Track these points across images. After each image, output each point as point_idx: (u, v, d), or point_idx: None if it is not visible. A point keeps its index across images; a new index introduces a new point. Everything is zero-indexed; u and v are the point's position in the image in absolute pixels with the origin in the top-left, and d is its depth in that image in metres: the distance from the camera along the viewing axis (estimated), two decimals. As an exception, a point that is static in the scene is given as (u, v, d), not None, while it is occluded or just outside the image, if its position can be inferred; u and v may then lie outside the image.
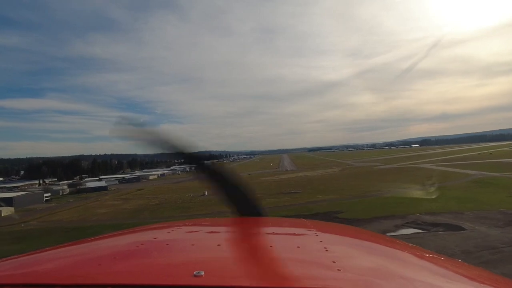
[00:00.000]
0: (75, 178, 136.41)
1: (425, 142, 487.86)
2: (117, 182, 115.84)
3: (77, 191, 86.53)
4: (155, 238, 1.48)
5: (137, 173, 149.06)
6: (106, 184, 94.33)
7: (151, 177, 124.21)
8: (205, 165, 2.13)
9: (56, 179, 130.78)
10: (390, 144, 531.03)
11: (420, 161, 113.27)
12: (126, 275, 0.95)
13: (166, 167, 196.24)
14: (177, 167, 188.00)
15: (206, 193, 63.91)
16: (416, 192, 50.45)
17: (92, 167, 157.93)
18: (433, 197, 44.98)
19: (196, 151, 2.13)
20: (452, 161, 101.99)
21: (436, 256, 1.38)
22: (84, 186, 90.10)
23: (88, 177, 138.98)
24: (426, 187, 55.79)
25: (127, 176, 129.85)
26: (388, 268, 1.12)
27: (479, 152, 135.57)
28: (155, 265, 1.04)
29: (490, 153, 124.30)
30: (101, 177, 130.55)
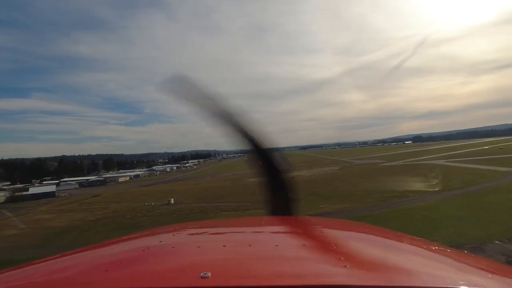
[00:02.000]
0: (33, 181, 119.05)
1: (417, 138, 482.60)
2: (77, 186, 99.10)
3: (12, 199, 69.77)
4: (160, 242, 1.47)
5: (107, 174, 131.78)
6: (54, 190, 77.46)
7: (121, 179, 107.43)
8: (265, 153, 2.03)
9: (9, 183, 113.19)
10: (383, 141, 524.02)
11: (427, 157, 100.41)
12: (133, 280, 0.94)
13: (147, 167, 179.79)
14: (157, 167, 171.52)
15: (172, 201, 48.54)
16: (458, 199, 36.75)
17: (59, 168, 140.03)
18: (491, 206, 31.32)
19: (259, 135, 1.98)
20: (464, 157, 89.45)
21: (443, 248, 1.37)
22: (22, 193, 72.79)
23: (52, 180, 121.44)
24: (462, 189, 42.43)
25: (92, 178, 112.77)
26: (396, 262, 1.11)
27: (487, 147, 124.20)
28: (162, 268, 1.03)
29: (500, 148, 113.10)
30: (62, 180, 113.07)
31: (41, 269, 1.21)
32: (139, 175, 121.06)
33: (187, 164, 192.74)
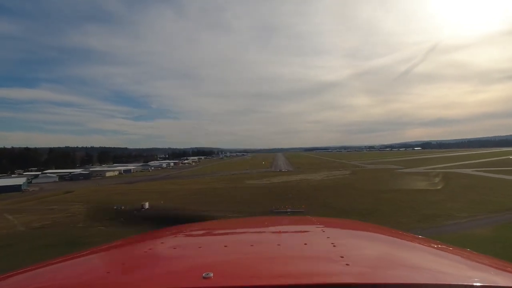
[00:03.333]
0: (16, 171, 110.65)
1: (427, 145, 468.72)
2: (56, 179, 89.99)
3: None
4: (162, 243, 1.50)
5: (97, 168, 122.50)
6: (20, 183, 68.25)
7: (108, 174, 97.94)
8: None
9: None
10: (390, 147, 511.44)
11: (448, 165, 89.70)
12: (135, 281, 0.95)
13: (144, 162, 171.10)
14: (154, 162, 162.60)
15: (146, 206, 38.80)
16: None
17: (48, 159, 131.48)
18: None
19: None
20: (493, 166, 78.62)
21: (445, 246, 1.38)
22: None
23: (38, 171, 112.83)
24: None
25: (76, 171, 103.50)
26: (397, 261, 1.11)
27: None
28: (164, 269, 1.04)
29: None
30: (44, 172, 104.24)
31: (43, 272, 1.20)
32: (130, 170, 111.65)
33: (186, 161, 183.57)
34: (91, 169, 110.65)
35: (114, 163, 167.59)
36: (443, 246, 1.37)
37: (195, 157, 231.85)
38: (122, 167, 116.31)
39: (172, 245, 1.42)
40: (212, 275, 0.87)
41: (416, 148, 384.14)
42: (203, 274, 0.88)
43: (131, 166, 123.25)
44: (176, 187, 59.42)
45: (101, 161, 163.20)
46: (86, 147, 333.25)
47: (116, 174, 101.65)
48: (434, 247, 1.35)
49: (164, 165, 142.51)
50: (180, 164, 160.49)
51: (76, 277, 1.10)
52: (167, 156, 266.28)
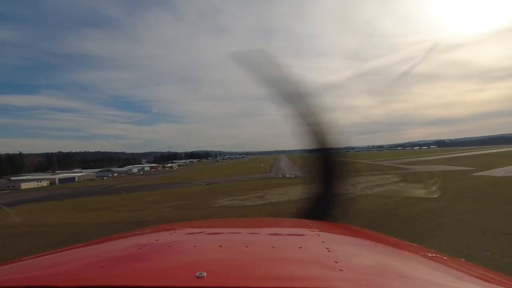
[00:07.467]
0: None
1: (440, 143, 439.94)
2: None
3: None
4: (157, 240, 1.47)
5: (27, 176, 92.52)
6: None
7: (25, 185, 67.08)
8: (328, 153, 1.95)
9: None
10: (395, 146, 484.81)
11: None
12: (128, 277, 0.94)
13: (119, 166, 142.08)
14: (128, 167, 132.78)
15: None
16: None
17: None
18: None
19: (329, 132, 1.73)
20: None
21: (439, 255, 1.37)
22: None
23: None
24: None
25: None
26: (391, 268, 1.10)
27: None
28: (158, 266, 1.03)
29: None
30: None
31: (38, 264, 1.19)
32: (74, 178, 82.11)
33: (168, 165, 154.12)
34: (12, 178, 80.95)
35: (84, 168, 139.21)
36: (440, 256, 1.33)
37: (182, 161, 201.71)
38: (64, 175, 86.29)
39: (167, 242, 1.38)
40: (205, 274, 0.86)
41: (431, 147, 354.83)
42: (197, 274, 0.86)
43: (83, 173, 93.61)
44: (69, 217, 28.88)
45: (61, 166, 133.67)
46: (79, 151, 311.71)
47: (46, 184, 71.68)
48: (430, 257, 1.31)
49: (135, 170, 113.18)
50: (160, 169, 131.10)
51: (71, 269, 1.08)
52: (154, 159, 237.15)
